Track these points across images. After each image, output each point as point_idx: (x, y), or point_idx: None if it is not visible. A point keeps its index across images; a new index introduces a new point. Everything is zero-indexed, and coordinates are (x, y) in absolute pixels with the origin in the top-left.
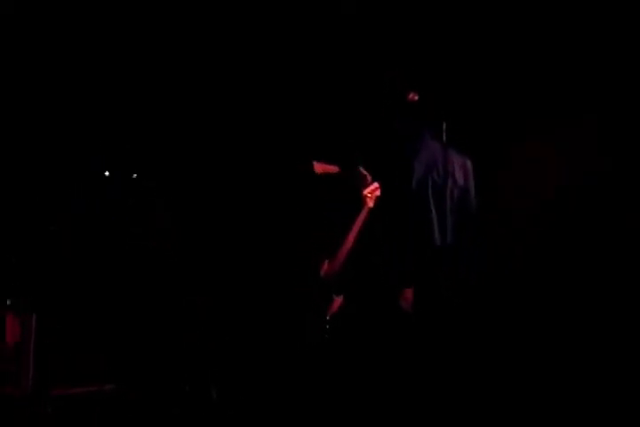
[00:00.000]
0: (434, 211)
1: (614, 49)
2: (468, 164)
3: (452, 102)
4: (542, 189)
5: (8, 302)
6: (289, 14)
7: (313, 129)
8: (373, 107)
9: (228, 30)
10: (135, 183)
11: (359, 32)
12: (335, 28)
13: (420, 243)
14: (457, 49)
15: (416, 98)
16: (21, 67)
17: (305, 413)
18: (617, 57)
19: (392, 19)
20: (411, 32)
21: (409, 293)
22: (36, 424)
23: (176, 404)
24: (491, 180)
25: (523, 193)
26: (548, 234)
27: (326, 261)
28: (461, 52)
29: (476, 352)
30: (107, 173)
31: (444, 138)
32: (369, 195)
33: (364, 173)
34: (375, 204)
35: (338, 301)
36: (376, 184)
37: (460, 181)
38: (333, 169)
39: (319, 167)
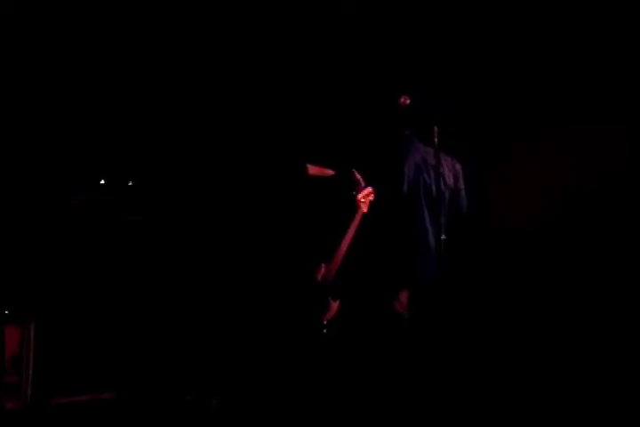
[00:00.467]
0: (426, 212)
1: (608, 51)
2: (458, 166)
3: (449, 104)
4: (538, 190)
5: (7, 313)
6: (287, 15)
7: (307, 133)
8: (366, 111)
9: (224, 31)
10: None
11: (358, 33)
12: (334, 30)
13: (415, 245)
14: (453, 51)
15: (408, 102)
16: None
17: (303, 417)
18: (610, 60)
19: (386, 21)
20: (407, 34)
21: (404, 296)
22: None
23: (178, 412)
24: (487, 181)
25: (520, 194)
26: (547, 236)
27: (322, 266)
28: (458, 53)
29: (473, 354)
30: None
31: (436, 141)
32: (362, 200)
33: (358, 177)
34: (369, 208)
35: (334, 305)
36: (369, 189)
37: (451, 182)
38: (328, 172)
39: (314, 170)
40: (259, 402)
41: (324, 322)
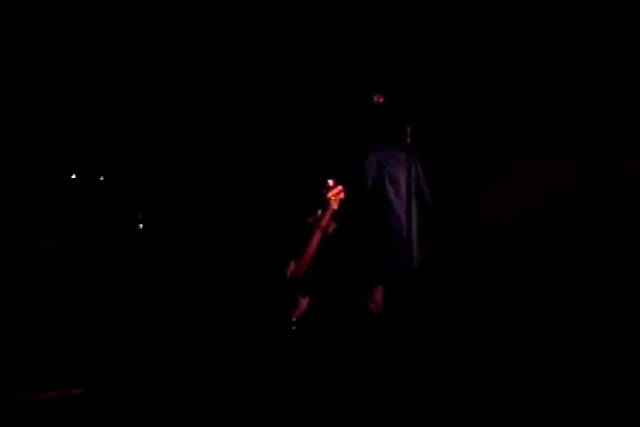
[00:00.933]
0: (396, 206)
1: (606, 51)
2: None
3: (449, 104)
4: (536, 190)
5: None
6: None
7: (281, 132)
8: (342, 110)
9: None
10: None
11: (357, 33)
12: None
13: (385, 241)
14: (453, 51)
15: (381, 100)
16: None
17: (273, 414)
18: (608, 60)
19: (386, 21)
20: (407, 34)
21: (378, 294)
22: None
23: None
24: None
25: (517, 194)
26: (544, 236)
27: (292, 263)
28: (458, 53)
29: (450, 352)
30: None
31: (409, 140)
32: (333, 197)
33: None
34: (339, 206)
35: (304, 302)
36: (340, 187)
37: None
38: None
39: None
40: (230, 399)
41: (294, 319)
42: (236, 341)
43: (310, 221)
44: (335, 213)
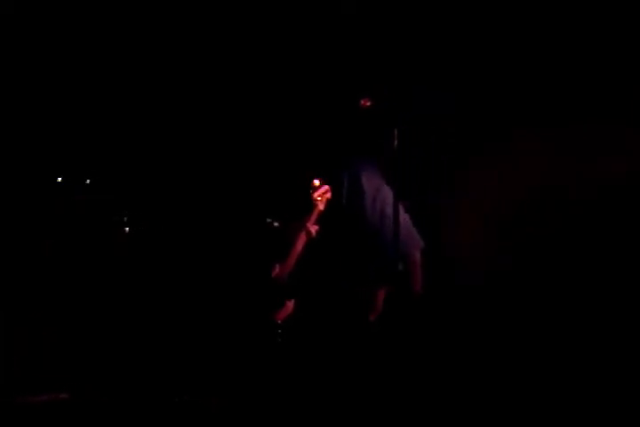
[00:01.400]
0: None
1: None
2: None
3: (449, 104)
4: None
5: None
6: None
7: (262, 133)
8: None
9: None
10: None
11: (357, 33)
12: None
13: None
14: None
15: (368, 104)
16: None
17: (258, 416)
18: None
19: (386, 21)
20: (407, 34)
21: (379, 300)
22: None
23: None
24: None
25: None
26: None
27: (277, 265)
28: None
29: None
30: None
31: (395, 143)
32: (319, 198)
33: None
34: (326, 206)
35: (289, 304)
36: (326, 187)
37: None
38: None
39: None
40: (214, 400)
41: (279, 321)
42: (222, 343)
43: (295, 222)
44: (321, 214)
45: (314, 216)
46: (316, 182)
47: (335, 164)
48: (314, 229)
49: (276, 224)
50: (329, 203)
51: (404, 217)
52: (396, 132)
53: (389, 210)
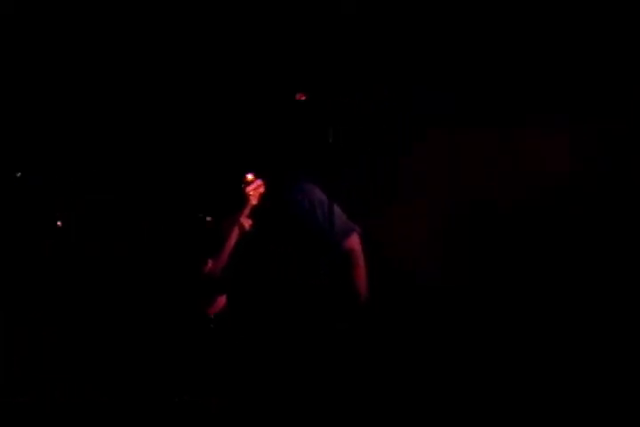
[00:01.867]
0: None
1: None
2: None
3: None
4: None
5: None
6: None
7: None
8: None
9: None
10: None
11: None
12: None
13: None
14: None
15: (303, 98)
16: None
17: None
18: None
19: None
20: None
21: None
22: None
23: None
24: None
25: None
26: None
27: (209, 260)
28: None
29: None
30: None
31: (330, 140)
32: (252, 192)
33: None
34: (259, 201)
35: (221, 299)
36: (259, 181)
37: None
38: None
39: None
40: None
41: (211, 316)
42: (153, 337)
43: (228, 217)
44: (254, 208)
45: (246, 210)
46: (249, 177)
47: (270, 159)
48: (247, 223)
49: (208, 219)
50: (262, 197)
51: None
52: (331, 128)
53: (323, 202)
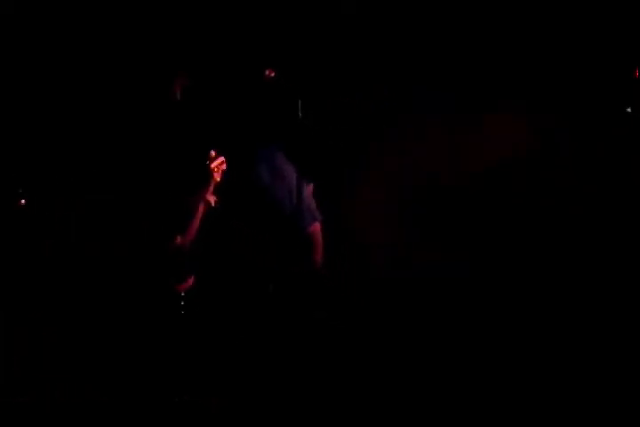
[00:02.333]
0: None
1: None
2: None
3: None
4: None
5: None
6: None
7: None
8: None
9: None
10: None
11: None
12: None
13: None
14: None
15: (272, 74)
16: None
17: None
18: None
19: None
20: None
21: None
22: None
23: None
24: None
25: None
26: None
27: (177, 237)
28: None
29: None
30: None
31: (300, 115)
32: (215, 169)
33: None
34: (222, 177)
35: (191, 276)
36: (222, 158)
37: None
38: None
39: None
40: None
41: (182, 293)
42: (123, 317)
43: (193, 193)
44: (218, 184)
45: (210, 187)
46: (212, 153)
47: (237, 135)
48: (212, 199)
49: (173, 196)
50: (224, 174)
51: (306, 189)
52: (300, 103)
53: (293, 182)
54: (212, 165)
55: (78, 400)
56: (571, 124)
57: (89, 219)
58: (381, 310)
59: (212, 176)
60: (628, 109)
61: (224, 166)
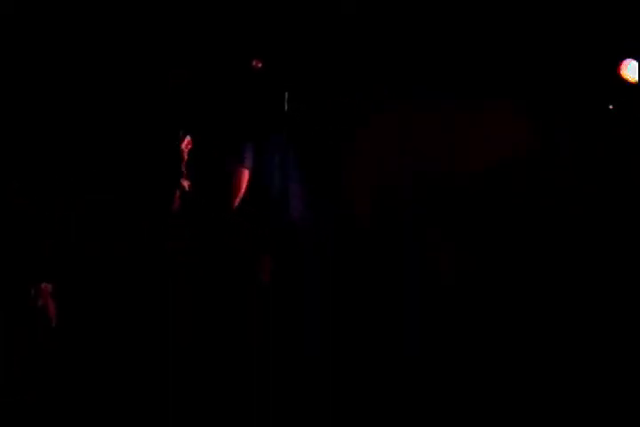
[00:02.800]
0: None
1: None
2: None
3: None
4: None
5: None
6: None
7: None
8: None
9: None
10: None
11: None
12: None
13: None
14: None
15: (259, 65)
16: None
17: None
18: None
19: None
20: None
21: (267, 262)
22: None
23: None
24: None
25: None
26: None
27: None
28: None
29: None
30: None
31: (286, 107)
32: (185, 149)
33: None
34: (189, 157)
35: None
36: (189, 138)
37: None
38: None
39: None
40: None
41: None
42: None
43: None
44: (186, 164)
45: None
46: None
47: (222, 125)
48: (186, 184)
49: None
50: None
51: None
52: (287, 95)
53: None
54: (183, 146)
55: (78, 400)
56: (571, 124)
57: (89, 219)
58: (382, 310)
59: (183, 157)
60: (610, 107)
61: (190, 146)
